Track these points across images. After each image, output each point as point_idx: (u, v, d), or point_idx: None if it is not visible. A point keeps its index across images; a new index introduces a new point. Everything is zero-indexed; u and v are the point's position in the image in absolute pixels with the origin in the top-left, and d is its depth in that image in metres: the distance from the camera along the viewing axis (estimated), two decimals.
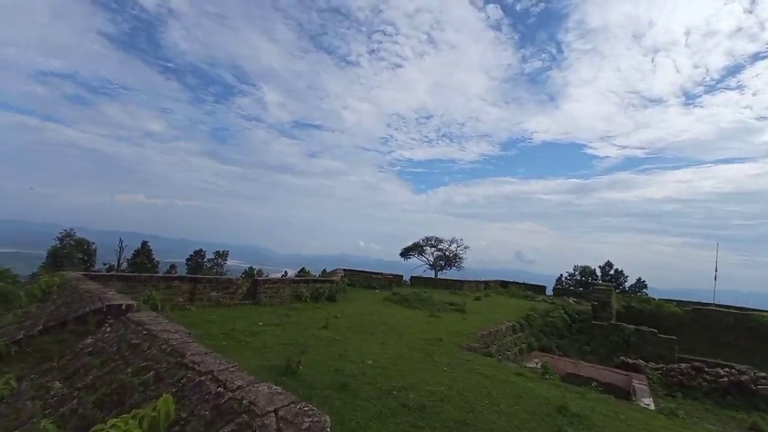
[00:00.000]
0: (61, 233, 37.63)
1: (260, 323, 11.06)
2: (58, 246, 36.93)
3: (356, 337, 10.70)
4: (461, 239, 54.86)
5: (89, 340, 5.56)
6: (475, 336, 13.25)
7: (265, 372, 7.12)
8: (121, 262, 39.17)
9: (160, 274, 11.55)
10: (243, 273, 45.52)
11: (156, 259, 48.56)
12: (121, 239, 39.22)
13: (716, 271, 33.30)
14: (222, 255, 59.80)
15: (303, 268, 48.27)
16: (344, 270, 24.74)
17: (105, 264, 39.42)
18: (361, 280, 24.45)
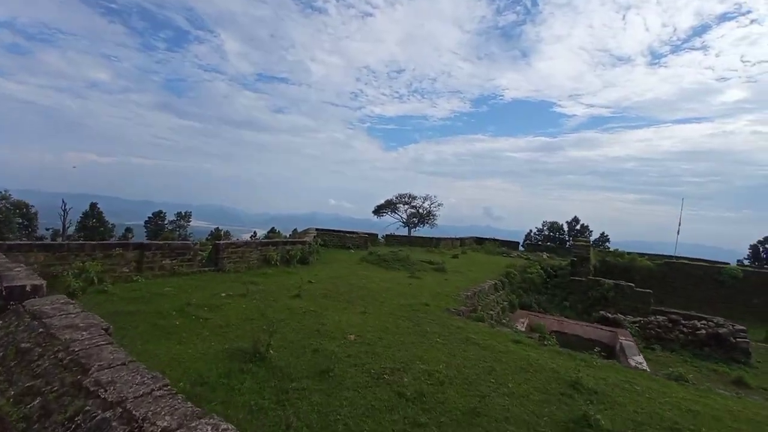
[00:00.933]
0: None
1: (222, 294, 9.61)
2: None
3: (333, 306, 9.51)
4: (435, 196, 54.27)
5: None
6: (460, 298, 12.46)
7: (227, 359, 5.80)
8: (66, 226, 35.71)
9: (95, 242, 9.66)
10: (209, 234, 43.08)
11: (111, 223, 44.98)
12: (64, 201, 35.47)
13: (679, 225, 34.52)
14: (184, 216, 56.53)
15: (273, 228, 46.35)
16: (317, 230, 23.30)
17: (48, 229, 35.86)
18: (334, 240, 23.17)
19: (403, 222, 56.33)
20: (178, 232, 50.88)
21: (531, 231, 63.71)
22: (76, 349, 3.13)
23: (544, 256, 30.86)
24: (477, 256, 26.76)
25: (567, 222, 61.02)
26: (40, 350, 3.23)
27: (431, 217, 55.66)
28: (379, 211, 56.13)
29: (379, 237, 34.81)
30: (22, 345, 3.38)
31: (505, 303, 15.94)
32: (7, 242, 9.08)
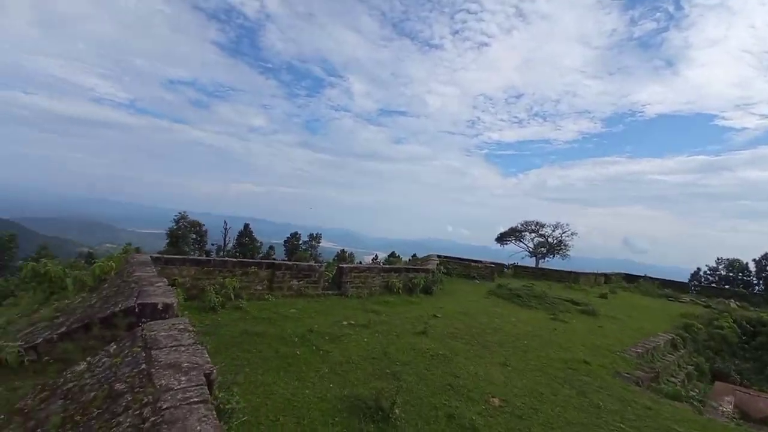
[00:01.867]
0: (176, 216, 41.40)
1: (344, 322, 8.95)
2: (175, 227, 40.64)
3: (465, 351, 7.95)
4: (567, 224, 48.08)
5: (82, 366, 3.73)
6: (629, 356, 9.53)
7: (346, 411, 4.80)
8: (226, 243, 41.82)
9: (236, 260, 10.01)
10: (335, 256, 45.69)
11: (259, 241, 51.48)
12: (225, 221, 41.80)
13: None
14: (315, 238, 61.58)
15: (393, 252, 46.88)
16: (438, 256, 22.02)
17: (213, 244, 42.53)
18: (458, 268, 21.50)
19: (530, 252, 51.23)
20: (309, 252, 55.51)
21: (699, 270, 51.29)
22: (164, 407, 2.39)
23: (733, 305, 23.60)
24: (632, 298, 21.79)
25: (753, 260, 47.32)
26: (130, 398, 2.60)
27: (563, 247, 49.36)
28: (502, 238, 52.27)
29: (506, 267, 31.74)
30: (116, 386, 2.84)
31: (690, 367, 11.95)
32: (165, 256, 10.08)
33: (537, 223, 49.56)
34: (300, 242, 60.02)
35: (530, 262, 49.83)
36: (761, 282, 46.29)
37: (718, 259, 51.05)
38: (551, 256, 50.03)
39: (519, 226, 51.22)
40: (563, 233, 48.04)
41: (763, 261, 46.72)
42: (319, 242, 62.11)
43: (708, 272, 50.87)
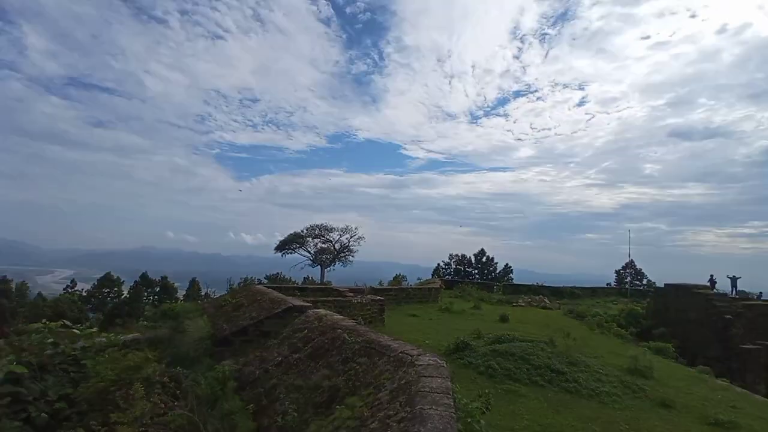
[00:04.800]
0: None
1: None
2: None
3: None
4: (355, 228, 45.53)
5: None
6: None
7: None
8: None
9: None
10: None
11: None
12: None
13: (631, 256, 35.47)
14: None
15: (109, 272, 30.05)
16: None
17: None
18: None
19: (311, 260, 45.63)
20: None
21: (439, 265, 60.96)
22: None
23: (548, 300, 26.18)
24: (538, 312, 19.83)
25: (474, 255, 60.35)
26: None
27: (347, 252, 46.60)
28: (284, 246, 44.15)
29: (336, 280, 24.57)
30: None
31: None
32: None
33: (324, 227, 44.48)
34: None
35: (315, 273, 44.15)
36: (477, 272, 58.95)
37: (450, 255, 61.98)
38: (335, 263, 46.24)
39: (303, 231, 44.64)
40: (351, 237, 45.13)
41: (479, 255, 59.90)
42: None
43: (444, 266, 60.88)
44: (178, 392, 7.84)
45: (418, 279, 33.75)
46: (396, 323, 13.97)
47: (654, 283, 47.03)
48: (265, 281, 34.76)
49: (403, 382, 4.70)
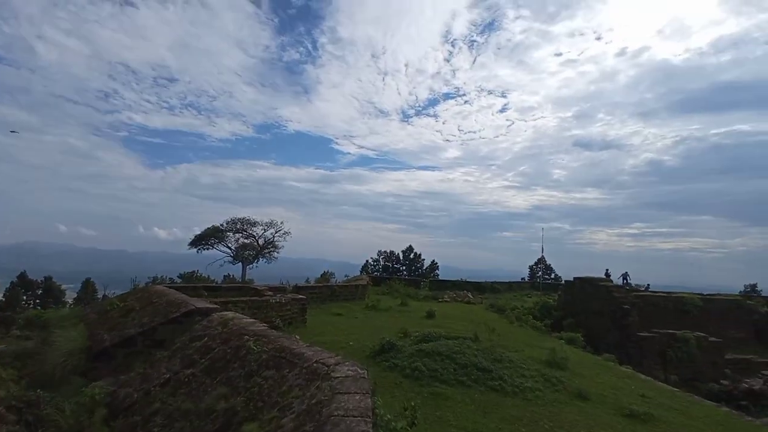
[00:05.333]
0: None
1: None
2: None
3: None
4: (281, 222, 43.11)
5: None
6: None
7: None
8: None
9: None
10: None
11: None
12: None
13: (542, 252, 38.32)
14: None
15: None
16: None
17: None
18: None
19: (232, 256, 42.52)
20: None
21: (368, 261, 60.86)
22: None
23: (471, 295, 26.99)
24: (472, 308, 19.91)
25: (402, 251, 61.18)
26: None
27: (272, 248, 44.16)
28: (200, 241, 40.41)
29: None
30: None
31: None
32: None
33: (246, 221, 41.51)
34: None
35: (236, 270, 41.17)
36: (405, 269, 59.99)
37: (379, 251, 62.22)
38: (258, 260, 43.58)
39: (223, 225, 41.25)
40: (276, 233, 42.70)
41: (407, 252, 60.90)
42: None
43: (372, 263, 60.98)
44: (35, 422, 6.21)
45: (346, 276, 32.96)
46: (319, 323, 13.02)
47: (561, 277, 51.88)
48: (179, 281, 31.47)
49: (314, 401, 3.85)
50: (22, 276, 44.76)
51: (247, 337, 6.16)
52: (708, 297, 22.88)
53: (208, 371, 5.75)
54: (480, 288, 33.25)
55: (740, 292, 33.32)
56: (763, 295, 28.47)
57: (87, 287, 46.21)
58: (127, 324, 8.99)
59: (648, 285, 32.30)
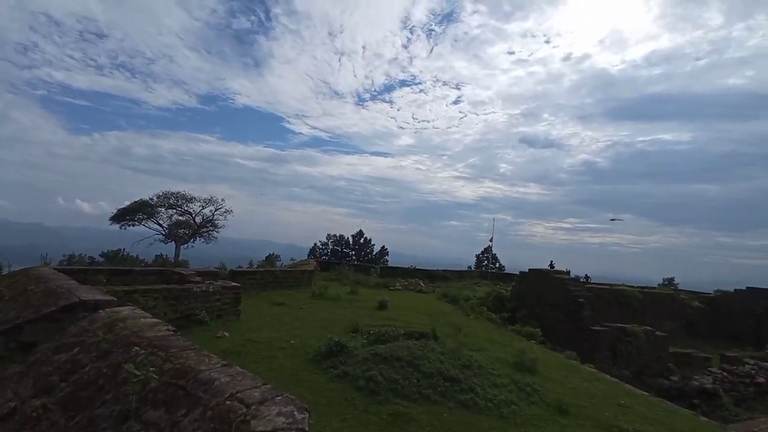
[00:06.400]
0: None
1: None
2: None
3: None
4: (221, 199, 39.62)
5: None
6: None
7: None
8: None
9: None
10: None
11: None
12: None
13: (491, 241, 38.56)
14: None
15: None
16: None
17: None
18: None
19: (163, 234, 38.57)
20: None
21: (316, 245, 58.76)
22: None
23: (422, 284, 26.09)
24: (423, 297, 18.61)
25: (352, 236, 59.68)
26: None
27: (211, 227, 40.67)
28: (124, 216, 35.98)
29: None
30: None
31: None
32: None
33: (182, 196, 37.64)
34: None
35: (167, 249, 37.31)
36: (354, 254, 58.65)
37: (328, 235, 60.23)
38: (195, 239, 39.91)
39: (152, 199, 37.04)
40: (216, 210, 39.21)
41: (357, 236, 59.46)
42: None
43: (321, 247, 59.00)
44: None
45: (293, 260, 30.83)
46: (256, 316, 11.13)
47: (504, 267, 53.32)
48: (101, 260, 27.60)
49: None
50: None
51: (137, 348, 4.27)
52: (645, 290, 23.92)
53: (67, 404, 3.82)
54: (431, 276, 32.67)
55: (659, 285, 35.84)
56: (680, 288, 30.80)
57: None
58: None
59: (588, 276, 33.61)
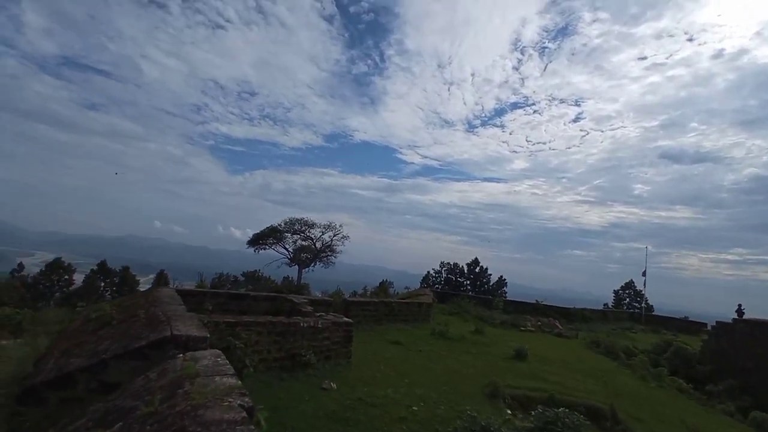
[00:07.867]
0: None
1: None
2: None
3: None
4: (339, 225, 40.64)
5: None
6: None
7: None
8: None
9: None
10: None
11: None
12: None
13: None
14: None
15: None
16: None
17: None
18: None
19: (289, 258, 40.79)
20: None
21: (429, 273, 56.50)
22: None
23: (559, 325, 21.65)
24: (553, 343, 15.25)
25: (467, 264, 55.87)
26: None
27: (329, 252, 41.79)
28: (258, 241, 39.25)
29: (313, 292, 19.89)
30: None
31: None
32: None
33: (305, 222, 39.65)
34: None
35: (292, 272, 39.21)
36: (469, 283, 54.56)
37: (441, 263, 57.48)
38: (315, 263, 41.45)
39: (281, 225, 39.80)
40: (334, 236, 40.33)
41: (472, 265, 55.46)
42: None
43: (434, 275, 56.42)
44: None
45: (406, 288, 29.18)
46: (370, 359, 9.37)
47: (653, 306, 42.63)
48: (242, 279, 30.25)
49: None
50: (102, 264, 47.35)
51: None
52: None
53: None
54: (567, 315, 27.26)
55: None
56: None
57: (160, 279, 47.65)
58: (86, 346, 6.08)
59: None
